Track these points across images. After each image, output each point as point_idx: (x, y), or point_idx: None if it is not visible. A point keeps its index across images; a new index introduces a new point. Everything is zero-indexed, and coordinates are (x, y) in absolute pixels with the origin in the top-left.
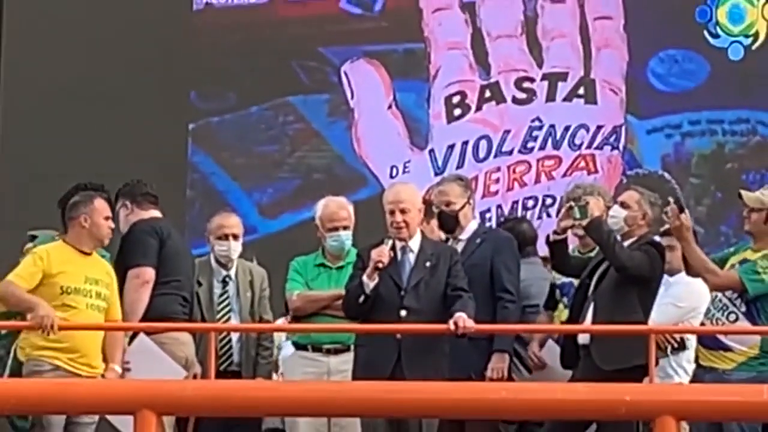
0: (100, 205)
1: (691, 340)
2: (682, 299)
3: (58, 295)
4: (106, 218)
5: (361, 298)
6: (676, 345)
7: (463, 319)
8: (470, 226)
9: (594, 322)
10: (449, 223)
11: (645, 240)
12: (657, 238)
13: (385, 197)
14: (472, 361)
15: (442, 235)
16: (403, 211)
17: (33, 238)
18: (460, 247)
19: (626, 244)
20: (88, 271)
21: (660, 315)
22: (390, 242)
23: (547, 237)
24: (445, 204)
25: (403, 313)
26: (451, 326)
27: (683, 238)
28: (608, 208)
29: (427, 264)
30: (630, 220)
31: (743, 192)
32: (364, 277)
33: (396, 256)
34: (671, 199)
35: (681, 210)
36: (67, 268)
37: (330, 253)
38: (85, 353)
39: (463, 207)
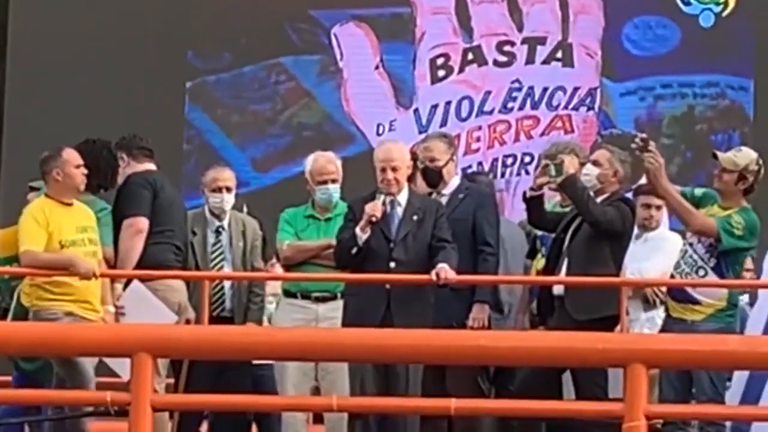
0: (69, 155)
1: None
2: (669, 254)
3: (59, 250)
4: (77, 167)
5: (354, 250)
6: (664, 299)
7: (444, 270)
8: (453, 182)
9: (568, 274)
10: (433, 178)
11: (617, 197)
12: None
13: (376, 155)
14: (454, 310)
15: (426, 189)
16: (393, 169)
17: (33, 189)
18: (443, 201)
19: (599, 200)
20: (76, 221)
21: (654, 269)
22: (382, 197)
23: (524, 193)
24: (429, 160)
25: (392, 264)
26: (433, 277)
27: (658, 176)
28: (583, 165)
29: (415, 217)
30: (602, 178)
31: (719, 153)
32: (357, 230)
33: (385, 210)
34: (638, 138)
35: (645, 148)
36: (58, 222)
37: (319, 205)
38: (90, 299)
39: (446, 163)
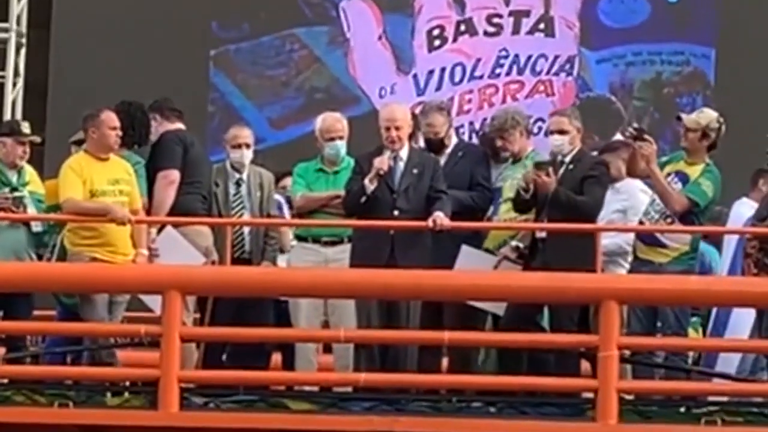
0: (107, 116)
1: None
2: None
3: (90, 198)
4: (112, 128)
5: (363, 199)
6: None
7: (440, 218)
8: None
9: (549, 219)
10: (436, 147)
11: (586, 156)
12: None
13: (381, 116)
14: (450, 253)
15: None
16: (396, 128)
17: (76, 142)
18: (443, 159)
19: (569, 158)
20: (108, 173)
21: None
22: (388, 153)
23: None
24: (433, 134)
25: (395, 212)
26: (430, 224)
27: (651, 161)
28: (527, 131)
29: (415, 171)
30: (570, 141)
31: (683, 115)
32: (366, 182)
33: (390, 164)
34: (630, 128)
35: (641, 137)
36: (92, 174)
37: (328, 159)
38: (117, 244)
39: (446, 133)
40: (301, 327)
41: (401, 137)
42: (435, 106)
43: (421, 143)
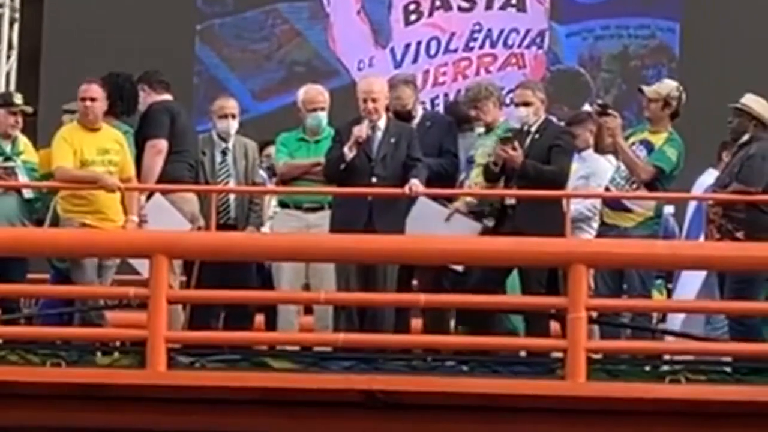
0: (84, 88)
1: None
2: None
3: (80, 168)
4: (82, 99)
5: (342, 166)
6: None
7: (415, 185)
8: (417, 115)
9: (519, 187)
10: (404, 119)
11: (552, 125)
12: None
13: (359, 88)
14: None
15: None
16: (374, 100)
17: (67, 111)
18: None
19: (534, 127)
20: (98, 143)
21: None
22: (366, 122)
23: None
24: (401, 106)
25: (373, 179)
26: (406, 191)
27: (616, 134)
28: (500, 101)
29: (392, 140)
30: (535, 112)
31: (643, 87)
32: (345, 149)
33: (368, 133)
34: (595, 104)
35: (605, 112)
36: (82, 144)
37: (309, 129)
38: (106, 211)
39: (413, 105)
40: (283, 289)
41: (378, 108)
42: (402, 79)
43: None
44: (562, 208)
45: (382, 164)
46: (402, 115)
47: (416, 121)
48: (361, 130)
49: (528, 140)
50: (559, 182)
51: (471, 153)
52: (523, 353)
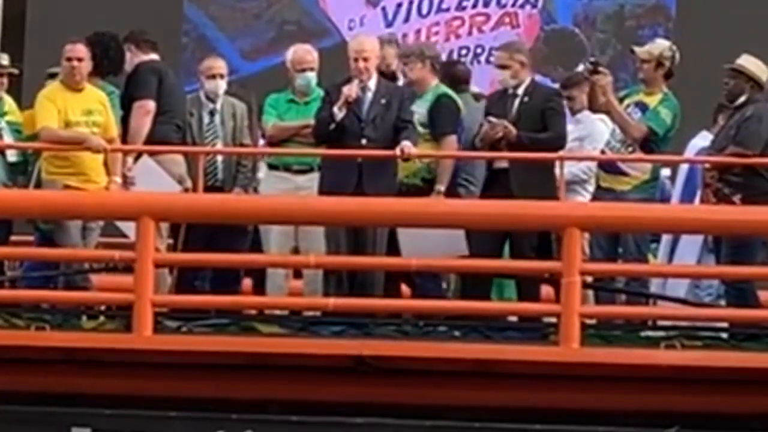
0: (68, 47)
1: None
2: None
3: (64, 128)
4: (68, 59)
5: (332, 126)
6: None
7: (408, 147)
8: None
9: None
10: (388, 79)
11: (539, 87)
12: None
13: (351, 47)
14: None
15: None
16: (365, 59)
17: (51, 75)
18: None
19: (521, 90)
20: (82, 104)
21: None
22: (356, 81)
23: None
24: (385, 66)
25: (363, 141)
26: (398, 152)
27: (607, 92)
28: (433, 67)
29: (382, 101)
30: (514, 74)
31: (635, 48)
32: (335, 109)
33: (358, 93)
34: (587, 63)
35: (596, 71)
36: (66, 104)
37: (298, 90)
38: (89, 173)
39: (398, 65)
40: (272, 253)
41: (369, 68)
42: (385, 40)
43: None
44: (554, 171)
45: (372, 126)
46: (386, 76)
47: (401, 82)
48: (351, 89)
49: (516, 103)
50: (559, 147)
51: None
52: (513, 318)
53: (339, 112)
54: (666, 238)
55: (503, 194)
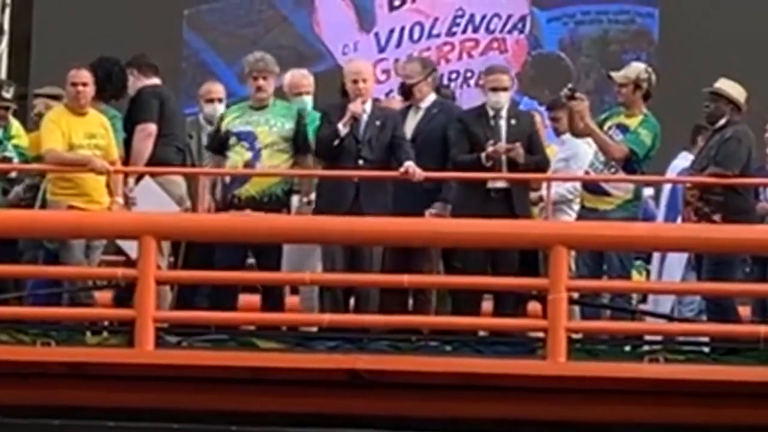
0: (73, 73)
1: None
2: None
3: (68, 151)
4: (73, 84)
5: (336, 142)
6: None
7: (413, 168)
8: (429, 98)
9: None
10: (406, 93)
11: (518, 109)
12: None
13: (349, 69)
14: (415, 202)
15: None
16: (364, 80)
17: (39, 96)
18: (420, 114)
19: (504, 112)
20: (85, 128)
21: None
22: (359, 99)
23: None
24: (405, 77)
25: (360, 162)
26: (402, 171)
27: (584, 117)
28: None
29: (377, 123)
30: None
31: (612, 73)
32: (340, 125)
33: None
34: (565, 90)
35: (573, 97)
36: (70, 127)
37: None
38: (92, 194)
39: (418, 82)
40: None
41: (368, 89)
42: (417, 57)
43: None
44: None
45: (368, 146)
46: (405, 90)
47: (426, 103)
48: (357, 106)
49: (502, 125)
50: (545, 170)
51: None
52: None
53: (343, 129)
54: (657, 257)
55: (498, 213)
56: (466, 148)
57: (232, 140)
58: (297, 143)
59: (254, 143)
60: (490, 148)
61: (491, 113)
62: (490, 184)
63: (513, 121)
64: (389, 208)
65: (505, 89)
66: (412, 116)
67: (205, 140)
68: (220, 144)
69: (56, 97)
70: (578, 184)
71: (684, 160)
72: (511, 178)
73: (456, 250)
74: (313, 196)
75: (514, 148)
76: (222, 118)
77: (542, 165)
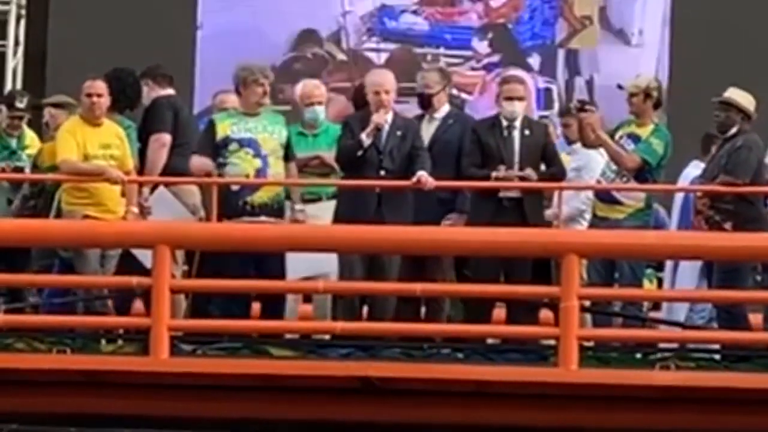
0: (88, 84)
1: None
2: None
3: (83, 161)
4: (89, 95)
5: (359, 152)
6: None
7: (425, 177)
8: (444, 108)
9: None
10: (424, 102)
11: (531, 119)
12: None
13: (371, 81)
14: (432, 212)
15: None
16: (386, 92)
17: (49, 105)
18: (435, 124)
19: (518, 123)
20: (100, 138)
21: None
22: (382, 110)
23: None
24: (424, 87)
25: (382, 172)
26: (414, 181)
27: (596, 129)
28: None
29: (398, 133)
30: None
31: (622, 83)
32: (363, 136)
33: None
34: (575, 102)
35: (583, 108)
36: (85, 138)
37: (307, 123)
38: (107, 203)
39: (438, 92)
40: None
41: (390, 101)
42: (435, 65)
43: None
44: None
45: (389, 157)
46: (424, 100)
47: (441, 113)
48: (380, 117)
49: (516, 136)
50: (562, 180)
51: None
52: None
53: (367, 139)
54: (669, 265)
55: (511, 222)
56: (478, 159)
57: (233, 146)
58: (286, 151)
59: (259, 150)
60: (501, 173)
61: (505, 123)
62: (502, 193)
63: (527, 132)
64: (411, 217)
65: (520, 99)
66: (426, 126)
67: None
68: (214, 149)
69: (60, 106)
70: (591, 195)
71: (696, 168)
72: (523, 187)
73: (468, 259)
74: (300, 206)
75: (526, 175)
76: (214, 123)
77: (558, 176)
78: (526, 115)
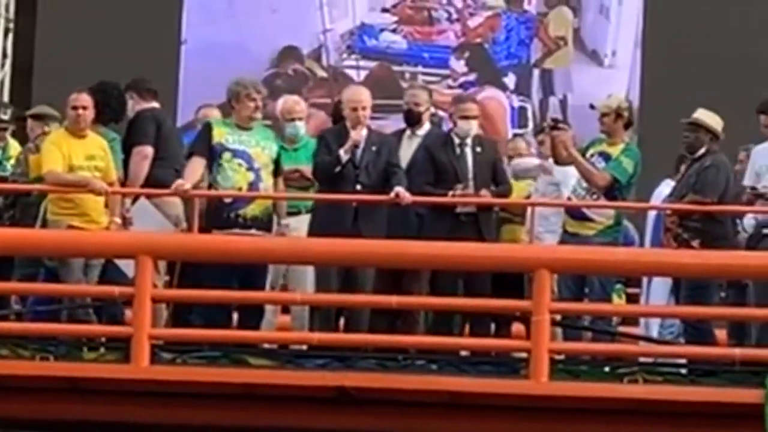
0: (71, 98)
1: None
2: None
3: (68, 172)
4: (73, 108)
5: (337, 168)
6: None
7: (403, 192)
8: (426, 126)
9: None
10: (413, 119)
11: (481, 137)
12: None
13: (347, 97)
14: (411, 226)
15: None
16: (363, 108)
17: (32, 117)
18: (417, 141)
19: (470, 141)
20: (85, 150)
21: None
22: (359, 127)
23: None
24: (414, 104)
25: (358, 186)
26: (392, 196)
27: (567, 147)
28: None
29: (373, 148)
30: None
31: (594, 102)
32: (341, 152)
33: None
34: (545, 124)
35: (556, 127)
36: (70, 149)
37: (288, 138)
38: (91, 214)
39: (426, 110)
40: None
41: (366, 116)
42: (421, 84)
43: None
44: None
45: (365, 172)
46: (413, 116)
47: (424, 130)
48: (358, 134)
49: (468, 152)
50: (507, 198)
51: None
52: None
53: (345, 155)
54: (645, 281)
55: (467, 237)
56: (431, 177)
57: (226, 155)
58: (275, 166)
59: (252, 163)
60: (458, 191)
61: (457, 141)
62: (459, 209)
63: (478, 149)
64: (384, 230)
65: (474, 117)
66: (408, 142)
67: None
68: (209, 152)
69: (40, 117)
70: (562, 210)
71: (667, 187)
72: (491, 203)
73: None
74: (286, 220)
75: (481, 196)
76: (211, 126)
77: (505, 195)
78: (477, 133)
